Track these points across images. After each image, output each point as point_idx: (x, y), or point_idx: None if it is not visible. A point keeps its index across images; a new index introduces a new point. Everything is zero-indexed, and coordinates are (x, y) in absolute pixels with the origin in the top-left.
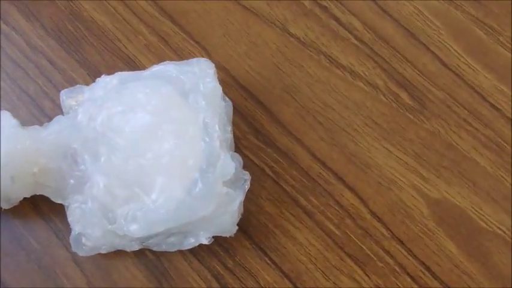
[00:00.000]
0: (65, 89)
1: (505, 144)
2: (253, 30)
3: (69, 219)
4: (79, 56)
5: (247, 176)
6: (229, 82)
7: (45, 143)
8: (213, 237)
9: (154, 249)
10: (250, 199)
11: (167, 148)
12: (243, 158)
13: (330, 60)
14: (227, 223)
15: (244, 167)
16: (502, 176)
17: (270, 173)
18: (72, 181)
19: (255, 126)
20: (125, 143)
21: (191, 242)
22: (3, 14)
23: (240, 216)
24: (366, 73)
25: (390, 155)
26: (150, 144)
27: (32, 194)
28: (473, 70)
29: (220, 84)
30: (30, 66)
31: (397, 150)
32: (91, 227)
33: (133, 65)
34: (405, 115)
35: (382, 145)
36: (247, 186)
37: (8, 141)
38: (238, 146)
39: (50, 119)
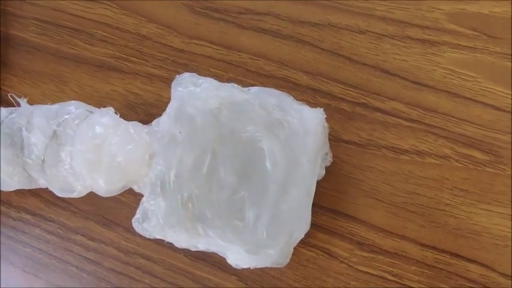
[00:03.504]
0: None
1: None
2: None
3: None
4: None
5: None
6: (316, 210)
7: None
8: None
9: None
10: None
11: None
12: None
13: (393, 150)
14: None
15: (365, 281)
16: None
17: (392, 278)
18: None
19: (356, 240)
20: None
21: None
22: (86, 231)
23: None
24: (431, 148)
25: (491, 214)
26: None
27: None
28: None
29: None
30: (132, 269)
31: (496, 207)
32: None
33: None
34: (485, 171)
35: (479, 208)
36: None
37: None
38: (350, 265)
39: None
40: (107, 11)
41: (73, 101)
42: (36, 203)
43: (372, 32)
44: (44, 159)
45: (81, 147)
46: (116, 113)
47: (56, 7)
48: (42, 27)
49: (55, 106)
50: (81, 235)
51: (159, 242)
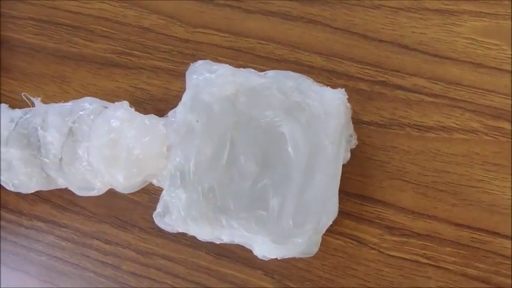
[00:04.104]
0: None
1: None
2: None
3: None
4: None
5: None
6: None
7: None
8: None
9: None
10: None
11: None
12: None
13: (417, 128)
14: None
15: (397, 267)
16: None
17: (426, 261)
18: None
19: (385, 224)
20: None
21: None
22: (101, 235)
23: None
24: (458, 123)
25: None
26: None
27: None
28: None
29: None
30: (152, 271)
31: None
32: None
33: None
34: None
35: None
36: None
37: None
38: (381, 251)
39: None
40: (106, 5)
41: (87, 97)
42: (47, 210)
43: (387, 6)
44: (61, 157)
45: (98, 142)
46: (130, 106)
47: (52, 5)
48: (40, 26)
49: (69, 103)
50: (97, 239)
51: (179, 241)
